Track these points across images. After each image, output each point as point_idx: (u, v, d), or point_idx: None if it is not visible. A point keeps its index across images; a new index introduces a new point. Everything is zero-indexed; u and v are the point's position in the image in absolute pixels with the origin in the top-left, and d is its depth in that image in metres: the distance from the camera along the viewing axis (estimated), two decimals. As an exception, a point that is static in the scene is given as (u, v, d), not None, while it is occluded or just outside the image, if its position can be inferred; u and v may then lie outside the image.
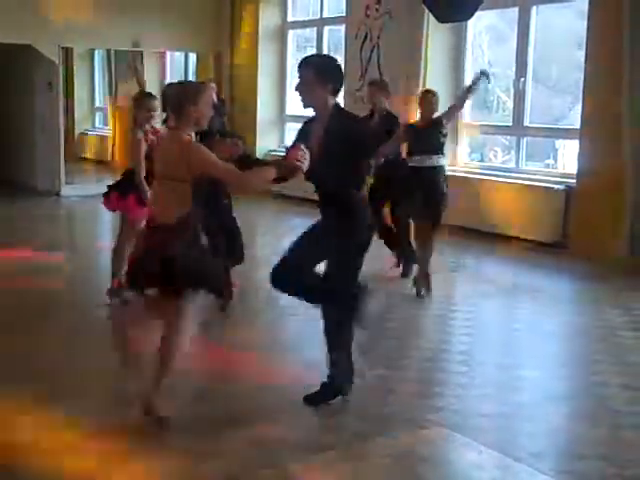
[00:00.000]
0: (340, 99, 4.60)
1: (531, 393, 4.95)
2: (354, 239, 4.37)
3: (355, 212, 4.37)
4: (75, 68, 16.35)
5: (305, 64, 4.38)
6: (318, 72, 4.28)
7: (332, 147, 4.25)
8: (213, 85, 12.56)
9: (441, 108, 7.26)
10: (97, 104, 17.20)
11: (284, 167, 4.14)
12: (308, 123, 4.54)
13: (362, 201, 4.48)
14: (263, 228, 10.66)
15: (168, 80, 15.28)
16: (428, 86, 10.01)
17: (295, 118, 12.69)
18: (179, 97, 4.13)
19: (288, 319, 6.39)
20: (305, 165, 4.08)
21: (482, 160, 11.21)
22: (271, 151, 12.89)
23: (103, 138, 15.86)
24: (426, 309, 6.87)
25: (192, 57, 15.22)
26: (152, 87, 15.51)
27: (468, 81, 10.66)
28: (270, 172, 4.15)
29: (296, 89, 4.38)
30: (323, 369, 4.60)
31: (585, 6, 8.79)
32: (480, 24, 10.89)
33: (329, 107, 4.35)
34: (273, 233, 10.06)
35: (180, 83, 4.55)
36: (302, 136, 4.47)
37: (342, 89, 4.47)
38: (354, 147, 4.28)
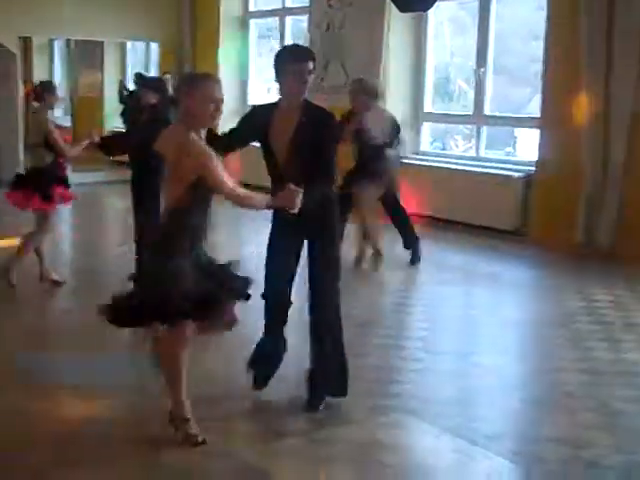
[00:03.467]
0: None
1: (488, 379, 5.00)
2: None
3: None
4: (34, 58, 16.19)
5: (313, 55, 4.35)
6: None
7: (309, 137, 4.22)
8: (168, 77, 12.52)
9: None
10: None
11: (275, 204, 3.97)
12: (266, 109, 4.41)
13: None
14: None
15: (129, 71, 15.18)
16: (391, 77, 10.07)
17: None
18: (177, 85, 3.89)
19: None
20: (297, 206, 3.91)
21: (444, 148, 11.29)
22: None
23: (63, 129, 15.72)
24: (386, 296, 6.91)
25: (153, 47, 15.11)
26: (113, 78, 15.45)
27: (430, 71, 10.78)
28: (262, 203, 3.95)
29: (307, 81, 4.24)
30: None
31: (544, -3, 8.87)
32: (442, 14, 10.95)
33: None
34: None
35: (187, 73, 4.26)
36: (258, 122, 4.35)
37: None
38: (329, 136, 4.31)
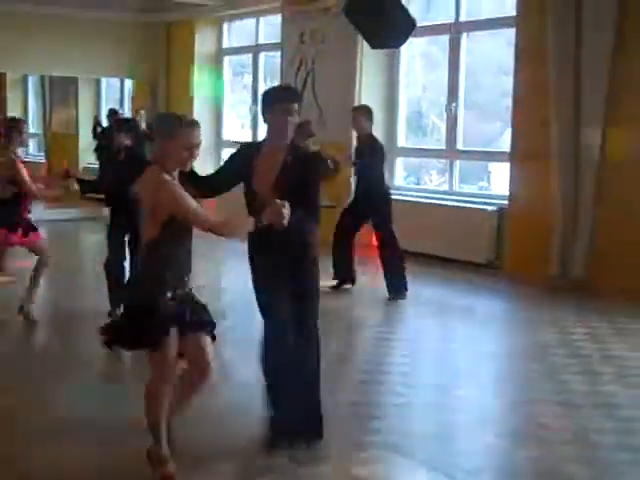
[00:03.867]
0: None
1: (467, 413, 5.03)
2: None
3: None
4: (8, 94, 16.20)
5: (300, 97, 4.42)
6: None
7: (294, 176, 4.23)
8: (143, 112, 12.57)
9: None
10: (31, 130, 16.99)
11: (262, 223, 3.89)
12: (251, 148, 4.50)
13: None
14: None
15: (103, 107, 15.23)
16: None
17: (232, 144, 12.72)
18: (156, 127, 3.95)
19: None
20: (286, 220, 3.86)
21: (418, 183, 11.40)
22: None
23: (37, 165, 15.68)
24: (364, 331, 6.94)
25: (128, 83, 15.17)
26: (87, 114, 15.47)
27: (403, 107, 10.90)
28: (247, 226, 3.93)
29: (295, 121, 4.30)
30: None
31: (513, 34, 9.03)
32: (414, 50, 11.11)
33: None
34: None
35: (166, 114, 4.29)
36: (243, 161, 4.36)
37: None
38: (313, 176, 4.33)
